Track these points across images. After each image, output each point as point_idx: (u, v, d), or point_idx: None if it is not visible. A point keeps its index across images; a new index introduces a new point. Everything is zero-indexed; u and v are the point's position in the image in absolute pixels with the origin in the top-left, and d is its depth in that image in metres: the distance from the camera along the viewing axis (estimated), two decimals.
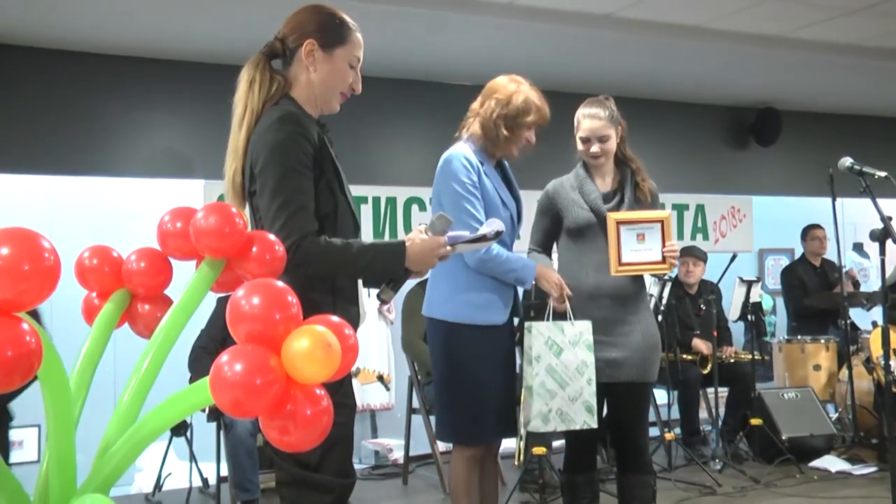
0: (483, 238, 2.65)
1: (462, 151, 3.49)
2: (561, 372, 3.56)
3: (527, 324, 3.59)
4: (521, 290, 3.71)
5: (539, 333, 3.57)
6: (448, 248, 2.51)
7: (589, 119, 3.82)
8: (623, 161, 3.95)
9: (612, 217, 3.76)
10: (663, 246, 3.81)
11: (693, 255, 6.92)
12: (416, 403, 6.02)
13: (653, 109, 7.95)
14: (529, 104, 3.51)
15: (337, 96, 2.57)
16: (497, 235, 2.64)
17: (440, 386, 3.57)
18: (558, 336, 3.58)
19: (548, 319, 3.64)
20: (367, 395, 6.91)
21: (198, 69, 6.29)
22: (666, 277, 6.03)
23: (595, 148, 3.82)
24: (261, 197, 2.37)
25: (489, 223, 2.70)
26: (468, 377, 3.47)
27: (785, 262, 9.07)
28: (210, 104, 6.10)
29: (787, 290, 8.01)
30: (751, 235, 8.67)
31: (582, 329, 3.62)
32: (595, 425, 3.62)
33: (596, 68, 6.93)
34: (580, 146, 3.86)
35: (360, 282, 2.57)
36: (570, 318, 3.62)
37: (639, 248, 3.78)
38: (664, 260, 3.82)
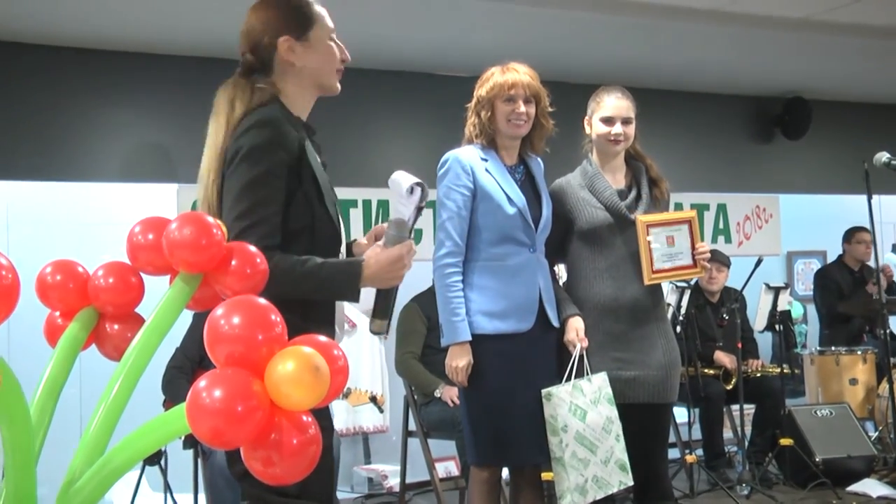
0: (409, 215, 2.57)
1: (457, 152, 3.67)
2: (590, 436, 3.61)
3: (544, 391, 3.63)
4: (548, 295, 3.76)
5: (561, 401, 3.61)
6: (413, 247, 2.50)
7: (615, 99, 3.89)
8: (634, 157, 3.98)
9: (642, 220, 3.78)
10: (693, 248, 3.84)
11: (717, 260, 6.90)
12: (412, 426, 6.01)
13: (668, 101, 7.95)
14: (487, 75, 3.71)
15: (334, 75, 2.65)
16: (415, 191, 2.54)
17: (460, 402, 3.76)
18: (580, 398, 3.63)
19: (569, 378, 3.67)
20: (359, 417, 6.90)
21: (173, 62, 6.28)
22: (685, 284, 6.03)
23: (618, 129, 3.85)
24: (224, 202, 2.43)
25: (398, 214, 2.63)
26: (486, 391, 3.60)
27: (816, 266, 9.07)
28: (187, 100, 6.14)
29: (821, 295, 8.00)
30: (778, 237, 8.66)
31: (600, 383, 3.68)
32: (631, 482, 3.69)
33: (604, 56, 6.93)
34: (600, 129, 3.88)
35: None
36: (588, 373, 3.66)
37: (669, 252, 3.82)
38: (696, 263, 3.85)
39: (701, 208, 8.19)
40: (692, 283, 6.24)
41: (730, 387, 6.62)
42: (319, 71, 2.61)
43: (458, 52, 6.56)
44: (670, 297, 6.07)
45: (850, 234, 8.01)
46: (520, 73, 3.68)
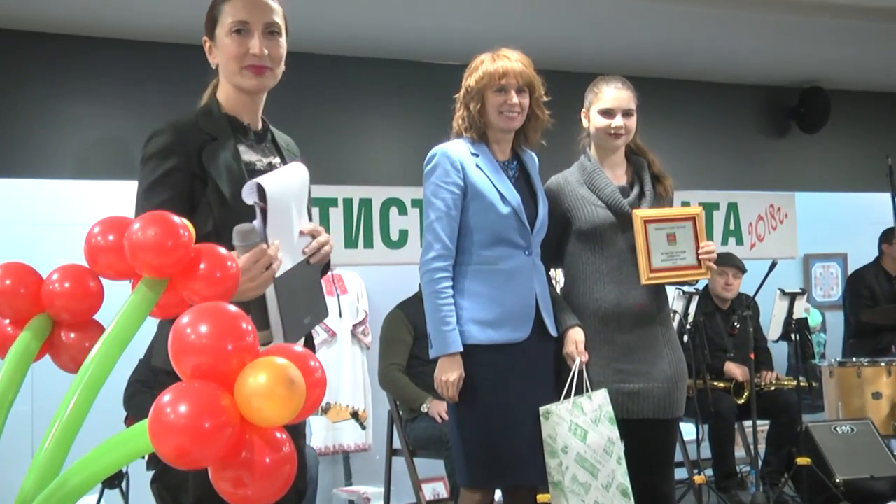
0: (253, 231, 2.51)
1: (444, 146, 3.67)
2: (591, 458, 3.62)
3: (542, 409, 3.63)
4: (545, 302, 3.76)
5: (560, 419, 3.61)
6: (270, 252, 2.47)
7: (615, 89, 3.90)
8: (635, 152, 3.99)
9: (639, 215, 3.78)
10: (697, 247, 3.84)
11: (733, 265, 6.90)
12: (397, 444, 6.01)
13: (673, 91, 7.96)
14: (476, 63, 3.73)
15: (240, 74, 2.72)
16: (252, 191, 2.51)
17: (450, 419, 3.75)
18: (580, 417, 3.64)
19: (568, 394, 3.68)
20: (339, 434, 6.89)
21: (135, 48, 6.26)
22: (693, 289, 6.04)
23: (619, 121, 3.86)
24: None
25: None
26: (479, 406, 3.60)
27: (835, 269, 9.09)
28: (150, 90, 6.13)
29: (852, 300, 7.98)
30: (794, 239, 8.67)
31: (600, 401, 3.69)
32: None
33: (604, 43, 6.94)
34: (599, 121, 3.90)
35: (275, 311, 2.55)
36: (588, 389, 3.67)
37: (670, 250, 3.82)
38: (700, 264, 3.85)
39: (710, 208, 8.20)
40: (699, 287, 6.23)
41: (741, 401, 6.63)
42: (224, 70, 2.74)
43: (449, 39, 6.56)
44: (677, 303, 6.08)
45: (891, 235, 7.88)
46: (511, 61, 3.68)
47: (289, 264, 2.55)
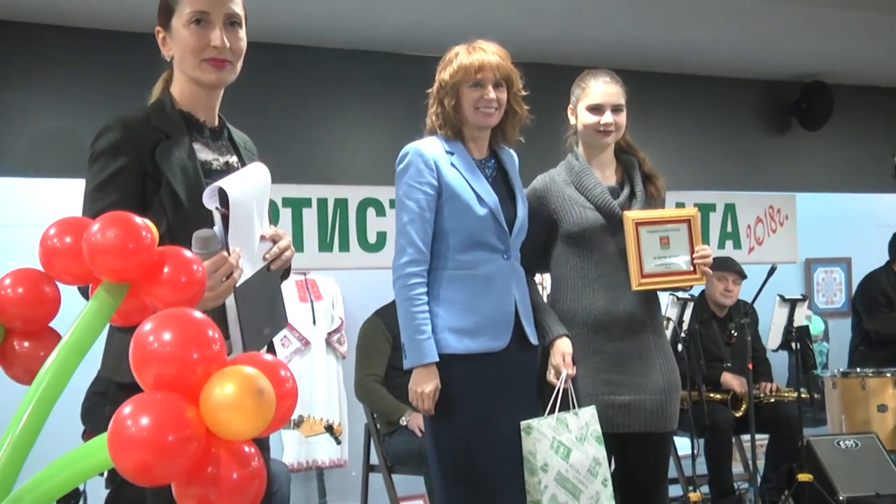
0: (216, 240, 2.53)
1: (417, 144, 3.66)
2: (573, 479, 3.62)
3: (523, 424, 3.63)
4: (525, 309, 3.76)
5: (542, 435, 3.62)
6: (231, 260, 2.47)
7: (603, 83, 3.90)
8: (625, 150, 4.00)
9: (630, 217, 3.79)
10: (692, 251, 3.85)
11: (733, 269, 6.91)
12: (374, 459, 6.01)
13: (666, 85, 7.98)
14: (450, 56, 3.72)
15: (199, 68, 2.71)
16: (213, 195, 2.51)
17: (426, 433, 3.74)
18: (563, 434, 3.64)
19: (552, 410, 3.68)
20: (312, 449, 6.88)
21: (90, 37, 6.23)
22: (687, 296, 6.05)
23: (608, 118, 3.86)
24: None
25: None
26: (456, 420, 3.60)
27: (839, 274, 9.13)
28: (105, 81, 6.10)
29: (867, 305, 7.99)
30: (794, 242, 8.70)
31: (587, 419, 3.70)
32: None
33: (593, 34, 6.94)
34: (587, 118, 3.90)
35: (235, 322, 2.55)
36: (574, 404, 3.67)
37: (663, 254, 3.83)
38: (695, 269, 3.86)
39: (706, 209, 8.23)
40: (694, 293, 6.24)
41: (739, 414, 6.64)
42: (181, 63, 2.73)
43: (430, 29, 6.56)
44: (670, 310, 6.09)
45: None
46: (488, 54, 3.67)
47: (249, 272, 2.54)
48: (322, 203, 6.96)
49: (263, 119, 6.53)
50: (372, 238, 7.01)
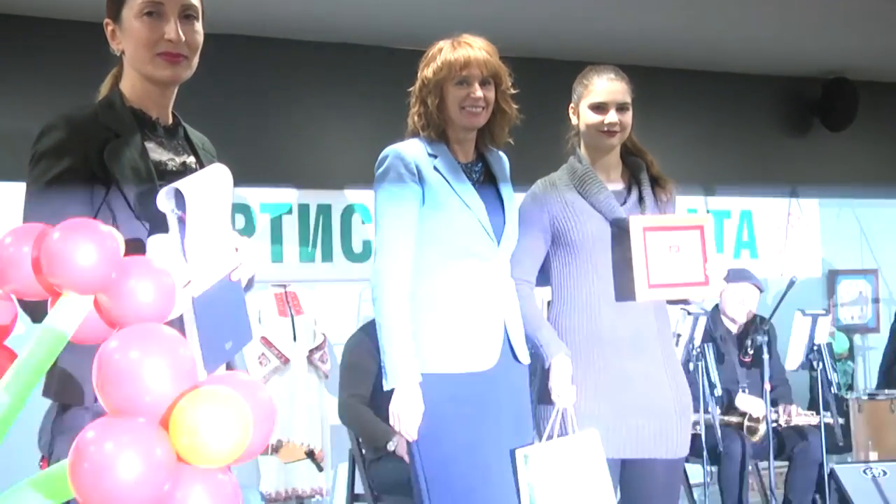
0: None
1: (398, 147, 3.66)
2: None
3: (520, 452, 3.63)
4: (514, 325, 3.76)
5: (539, 463, 3.61)
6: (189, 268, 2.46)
7: (607, 81, 3.91)
8: (632, 152, 4.01)
9: (637, 222, 3.79)
10: (704, 259, 3.86)
11: (750, 282, 6.92)
12: (359, 488, 6.00)
13: (678, 82, 8.01)
14: (434, 52, 3.71)
15: (152, 62, 2.70)
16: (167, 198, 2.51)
17: (410, 459, 3.70)
18: (563, 462, 3.64)
19: (550, 436, 3.69)
20: (292, 477, 6.89)
21: (27, 25, 6.22)
22: (700, 310, 6.05)
23: (612, 117, 3.87)
24: None
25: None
26: (442, 445, 3.57)
27: (865, 286, 9.15)
28: (47, 75, 6.09)
29: None
30: (817, 251, 8.74)
31: (590, 444, 3.71)
32: None
33: (596, 27, 6.97)
34: (590, 118, 3.90)
35: (193, 336, 2.54)
36: (574, 429, 3.68)
37: (673, 262, 3.82)
38: (707, 279, 3.86)
39: (720, 216, 8.26)
40: (706, 307, 6.24)
41: (756, 439, 6.65)
42: (132, 57, 2.71)
43: (420, 21, 6.57)
44: (681, 326, 6.09)
45: None
46: (474, 49, 3.65)
47: (209, 281, 2.53)
48: (304, 209, 6.98)
49: (239, 118, 6.55)
50: (357, 247, 7.03)
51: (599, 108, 3.88)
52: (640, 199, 3.92)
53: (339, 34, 6.89)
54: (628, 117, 3.91)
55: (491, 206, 3.70)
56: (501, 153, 3.88)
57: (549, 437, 3.68)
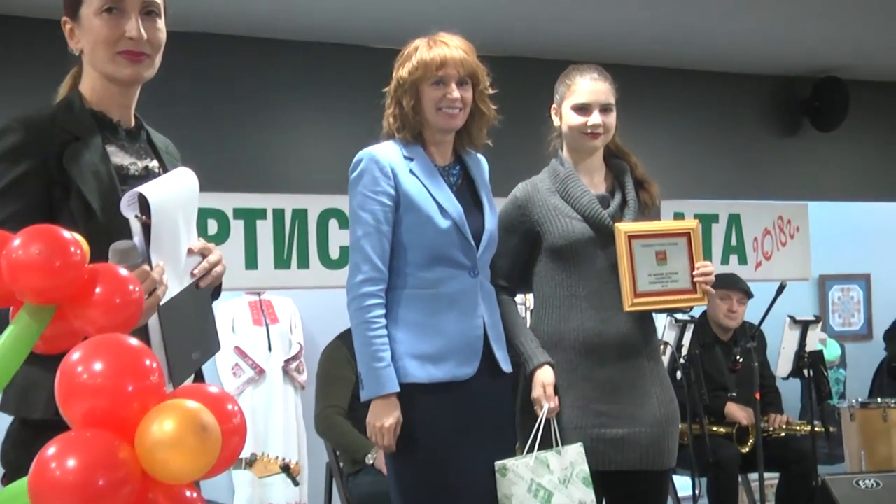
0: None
1: (373, 150, 3.66)
2: None
3: (498, 465, 3.63)
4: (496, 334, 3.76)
5: (518, 477, 3.61)
6: (153, 275, 2.43)
7: (590, 80, 3.90)
8: (615, 154, 4.01)
9: (622, 229, 3.79)
10: (692, 268, 3.86)
11: (738, 288, 6.93)
12: (336, 502, 5.99)
13: (664, 82, 8.02)
14: (409, 51, 3.70)
15: (112, 61, 2.68)
16: (131, 202, 2.50)
17: (388, 472, 3.72)
18: (544, 476, 3.64)
19: (531, 448, 3.68)
20: (267, 491, 6.87)
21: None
22: (687, 317, 6.06)
23: (596, 118, 3.86)
24: None
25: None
26: (420, 457, 3.58)
27: (857, 293, 9.17)
28: (23, 74, 6.07)
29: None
30: (807, 257, 8.75)
31: (573, 458, 3.68)
32: None
33: (579, 24, 6.97)
34: (573, 119, 3.90)
35: (159, 345, 2.53)
36: (557, 441, 3.67)
37: (660, 271, 3.83)
38: (695, 288, 3.86)
39: (707, 220, 8.26)
40: (695, 314, 6.24)
41: (746, 449, 6.66)
42: (91, 56, 2.69)
43: (398, 19, 6.57)
44: (668, 333, 6.09)
45: None
46: (451, 48, 3.65)
47: (175, 289, 2.51)
48: (278, 214, 6.96)
49: (211, 120, 6.53)
50: (334, 253, 7.01)
51: (582, 109, 3.88)
52: (624, 202, 3.92)
53: (316, 32, 6.88)
54: (612, 118, 3.91)
55: (469, 211, 3.69)
56: (480, 156, 3.88)
57: (531, 449, 3.67)
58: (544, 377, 3.75)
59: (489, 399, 3.67)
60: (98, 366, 1.75)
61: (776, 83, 8.58)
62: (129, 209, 2.41)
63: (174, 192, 2.56)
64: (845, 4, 6.84)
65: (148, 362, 1.80)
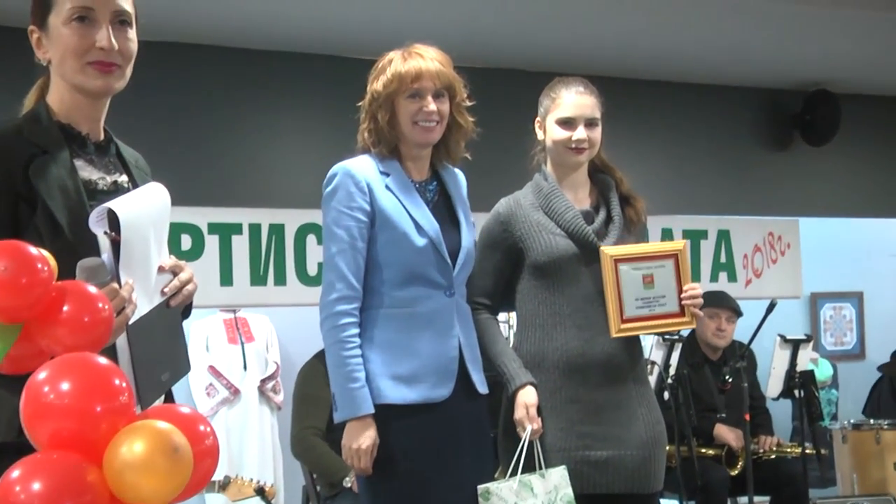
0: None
1: (348, 164, 3.65)
2: None
3: (481, 489, 3.62)
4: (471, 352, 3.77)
5: (501, 501, 3.60)
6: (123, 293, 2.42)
7: (576, 94, 3.89)
8: (601, 169, 4.01)
9: (608, 252, 3.79)
10: (679, 290, 3.86)
11: (727, 306, 6.93)
12: None
13: (651, 94, 8.03)
14: (384, 63, 3.70)
15: (82, 72, 2.65)
16: (101, 218, 2.50)
17: (362, 495, 3.72)
18: (528, 499, 3.63)
19: (515, 470, 3.67)
20: None
21: None
22: (674, 336, 6.06)
23: (581, 133, 3.85)
24: None
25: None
26: (396, 481, 3.57)
27: (849, 311, 9.19)
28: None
29: None
30: (798, 274, 8.75)
31: (557, 481, 3.67)
32: None
33: (566, 36, 6.98)
34: (557, 133, 3.89)
35: (128, 366, 2.52)
36: (541, 464, 3.66)
37: (647, 295, 3.82)
38: (683, 311, 3.86)
39: (696, 236, 8.27)
40: (683, 333, 6.25)
41: (735, 472, 6.65)
42: (60, 66, 2.67)
43: (377, 29, 6.57)
44: (655, 352, 6.09)
45: None
46: (426, 60, 3.63)
47: (145, 307, 2.50)
48: (255, 229, 6.95)
49: (184, 133, 6.52)
50: (312, 270, 6.99)
51: (567, 123, 3.87)
52: (609, 218, 3.92)
53: (293, 43, 6.88)
54: (597, 133, 3.91)
55: (446, 228, 3.68)
56: (458, 171, 3.87)
57: (515, 472, 3.67)
58: (527, 398, 3.74)
59: (466, 421, 3.66)
60: (65, 386, 1.75)
61: (766, 96, 8.59)
62: (98, 225, 2.41)
63: (145, 209, 2.55)
64: (837, 15, 6.85)
65: (117, 382, 1.80)
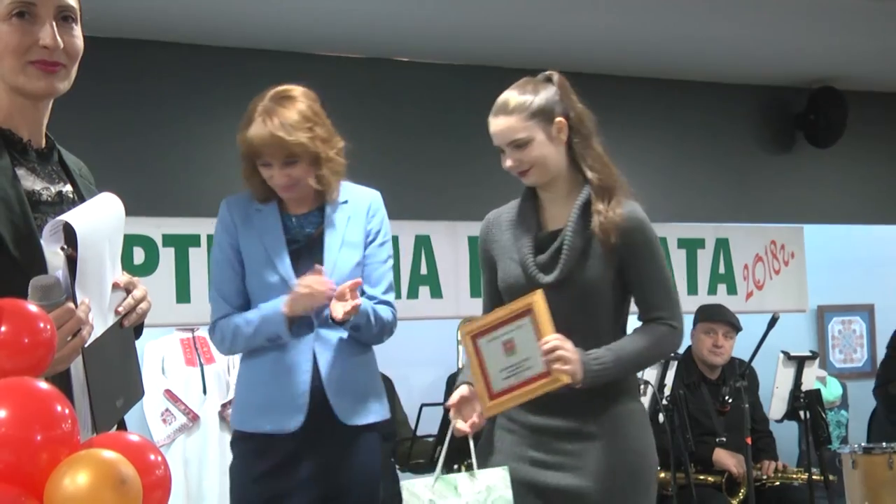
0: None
1: (229, 198, 4.10)
2: None
3: (403, 483, 3.64)
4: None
5: (414, 498, 3.57)
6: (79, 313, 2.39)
7: (492, 121, 3.78)
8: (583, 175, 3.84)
9: (464, 331, 3.76)
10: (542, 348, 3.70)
11: (724, 320, 6.93)
12: None
13: (647, 93, 8.04)
14: (247, 114, 3.98)
15: (23, 72, 2.61)
16: (56, 232, 2.46)
17: None
18: (448, 498, 3.56)
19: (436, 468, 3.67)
20: None
21: None
22: (671, 355, 6.06)
23: (509, 161, 3.77)
24: None
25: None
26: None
27: (859, 325, 9.21)
28: None
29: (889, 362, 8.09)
30: (803, 285, 8.77)
31: (492, 482, 3.56)
32: None
33: (551, 29, 6.98)
34: (504, 162, 3.79)
35: (82, 391, 2.50)
36: (473, 465, 3.64)
37: (510, 363, 3.66)
38: (549, 370, 3.64)
39: (693, 245, 8.28)
40: (679, 351, 6.24)
41: (737, 501, 6.67)
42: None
43: (343, 25, 6.56)
44: (649, 372, 6.08)
45: None
46: (271, 126, 3.81)
47: (100, 328, 2.48)
48: (212, 241, 6.93)
49: (135, 139, 6.52)
50: None
51: (502, 151, 3.79)
52: (559, 249, 3.73)
53: (251, 39, 6.87)
54: (529, 153, 3.71)
55: (309, 263, 3.85)
56: (365, 192, 4.06)
57: (446, 470, 3.68)
58: (459, 391, 3.74)
59: (320, 452, 3.83)
60: (2, 413, 1.75)
61: (767, 94, 8.62)
62: (51, 240, 2.39)
63: (101, 222, 2.53)
64: (842, 9, 6.87)
65: (59, 408, 1.79)
